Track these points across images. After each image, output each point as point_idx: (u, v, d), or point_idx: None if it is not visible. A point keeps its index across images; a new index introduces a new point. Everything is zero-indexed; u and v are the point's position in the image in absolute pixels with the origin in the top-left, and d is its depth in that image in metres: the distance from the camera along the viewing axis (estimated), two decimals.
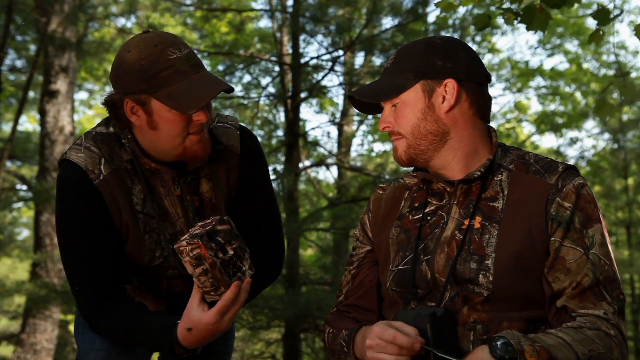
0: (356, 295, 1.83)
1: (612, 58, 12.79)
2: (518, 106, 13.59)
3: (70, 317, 11.82)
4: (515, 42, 23.45)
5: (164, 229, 1.92)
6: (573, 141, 13.33)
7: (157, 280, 1.98)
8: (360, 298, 1.82)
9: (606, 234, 1.66)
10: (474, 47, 10.64)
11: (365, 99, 1.71)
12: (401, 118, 1.69)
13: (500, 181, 1.68)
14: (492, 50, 12.11)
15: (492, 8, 3.12)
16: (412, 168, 1.78)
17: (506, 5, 3.00)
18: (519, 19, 2.93)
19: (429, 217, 1.71)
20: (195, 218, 1.94)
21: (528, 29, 2.94)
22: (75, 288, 1.87)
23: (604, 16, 3.01)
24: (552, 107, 13.46)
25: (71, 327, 12.19)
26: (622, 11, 3.06)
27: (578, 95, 13.60)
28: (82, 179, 1.83)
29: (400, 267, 1.69)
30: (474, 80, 1.69)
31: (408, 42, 1.77)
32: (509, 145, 1.77)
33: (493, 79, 12.40)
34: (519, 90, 13.01)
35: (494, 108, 13.36)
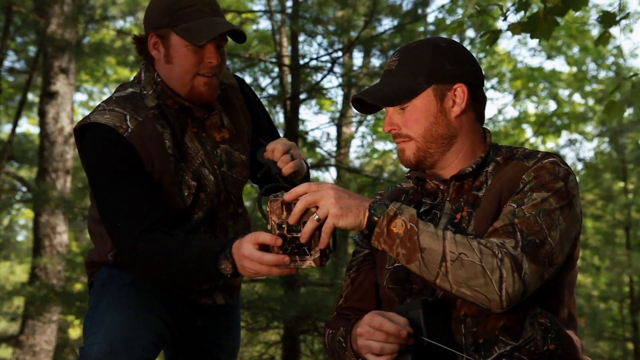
0: (355, 297, 1.84)
1: (611, 59, 12.79)
2: (515, 107, 13.58)
3: (70, 318, 11.79)
4: (515, 46, 23.41)
5: (186, 168, 2.02)
6: (572, 142, 13.33)
7: (214, 221, 2.09)
8: (359, 300, 1.83)
9: (555, 205, 1.57)
10: (473, 50, 10.65)
11: (377, 102, 1.72)
12: (413, 122, 1.70)
13: (486, 172, 1.70)
14: (492, 52, 12.08)
15: (492, 8, 3.11)
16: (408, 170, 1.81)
17: (511, 14, 2.99)
18: (522, 24, 2.92)
19: (423, 217, 1.72)
20: (215, 151, 2.07)
21: (532, 37, 2.93)
22: (117, 225, 1.91)
23: (609, 20, 3.01)
24: (551, 108, 13.46)
25: (70, 330, 12.18)
26: (627, 14, 3.05)
27: (577, 97, 13.61)
28: (113, 133, 1.93)
29: (395, 264, 1.71)
30: (479, 84, 1.74)
31: (407, 43, 1.79)
32: (501, 145, 1.79)
33: (493, 81, 12.46)
34: (517, 94, 13.00)
35: (494, 110, 13.39)
